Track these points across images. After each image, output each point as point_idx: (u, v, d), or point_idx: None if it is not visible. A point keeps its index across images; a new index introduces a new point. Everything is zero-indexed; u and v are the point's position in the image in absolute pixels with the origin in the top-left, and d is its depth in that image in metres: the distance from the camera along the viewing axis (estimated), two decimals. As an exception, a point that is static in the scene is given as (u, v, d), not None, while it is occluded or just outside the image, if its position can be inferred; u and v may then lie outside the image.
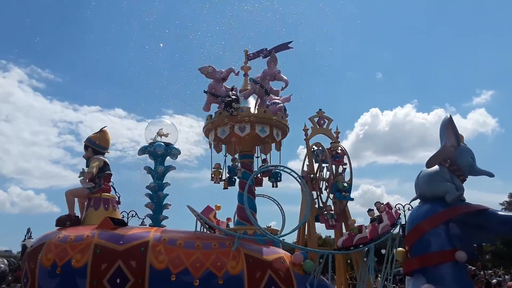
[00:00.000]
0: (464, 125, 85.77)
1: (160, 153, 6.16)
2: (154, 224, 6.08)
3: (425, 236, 6.18)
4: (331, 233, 7.34)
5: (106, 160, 6.40)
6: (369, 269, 6.08)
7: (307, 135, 6.66)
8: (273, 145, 7.19)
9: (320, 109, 7.01)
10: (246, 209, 5.31)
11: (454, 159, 6.61)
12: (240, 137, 6.54)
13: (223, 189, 6.87)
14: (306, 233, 6.72)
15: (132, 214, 14.73)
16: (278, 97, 7.12)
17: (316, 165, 6.97)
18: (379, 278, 6.30)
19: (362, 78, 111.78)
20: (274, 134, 6.67)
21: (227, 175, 6.85)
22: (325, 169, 6.72)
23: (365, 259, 6.13)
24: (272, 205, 7.69)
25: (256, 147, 7.31)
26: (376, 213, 6.22)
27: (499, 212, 6.18)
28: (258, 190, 7.25)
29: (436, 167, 6.72)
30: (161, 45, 6.84)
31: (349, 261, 7.96)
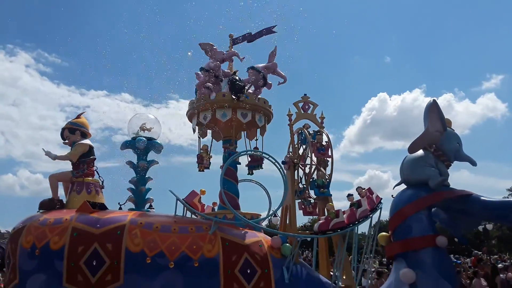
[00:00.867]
0: (473, 110, 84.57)
1: (141, 148, 6.17)
2: None
3: (407, 221, 6.19)
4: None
5: (91, 144, 6.48)
6: (356, 254, 6.12)
7: (291, 120, 6.62)
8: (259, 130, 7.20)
9: (305, 94, 6.94)
10: (221, 193, 5.34)
11: (440, 144, 6.56)
12: (222, 123, 6.54)
13: (199, 171, 6.88)
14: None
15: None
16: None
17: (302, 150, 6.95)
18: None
19: (370, 62, 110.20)
20: (257, 119, 6.66)
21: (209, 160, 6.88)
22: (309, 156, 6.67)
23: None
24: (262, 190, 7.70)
25: (242, 132, 7.32)
26: (358, 198, 6.21)
27: (482, 198, 6.13)
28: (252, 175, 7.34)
29: (421, 152, 6.66)
30: (190, 53, 6.93)
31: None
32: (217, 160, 7.09)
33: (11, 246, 5.35)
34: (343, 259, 5.70)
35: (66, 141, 6.47)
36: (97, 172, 6.48)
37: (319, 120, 6.85)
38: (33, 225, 5.33)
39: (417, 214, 6.19)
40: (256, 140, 7.25)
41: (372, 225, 6.09)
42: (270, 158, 5.73)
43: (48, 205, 5.97)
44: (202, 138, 7.16)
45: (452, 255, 29.98)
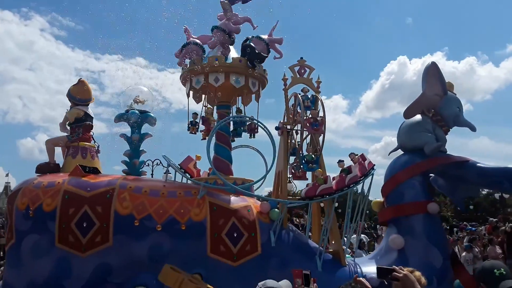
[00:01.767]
0: (497, 74, 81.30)
1: (133, 121, 6.18)
2: None
3: (400, 186, 6.18)
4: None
5: (88, 111, 6.54)
6: (349, 220, 6.15)
7: (286, 85, 6.47)
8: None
9: (301, 58, 6.71)
10: (208, 158, 5.39)
11: (439, 108, 6.39)
12: (215, 87, 6.47)
13: (201, 139, 6.91)
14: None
15: (157, 163, 15.40)
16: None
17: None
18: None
19: (391, 23, 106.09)
20: (250, 84, 6.56)
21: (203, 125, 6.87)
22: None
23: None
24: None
25: (237, 97, 7.25)
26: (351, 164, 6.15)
27: (478, 164, 6.02)
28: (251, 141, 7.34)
29: (418, 117, 6.52)
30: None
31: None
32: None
33: (8, 207, 5.58)
34: (330, 224, 5.71)
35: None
36: (93, 138, 6.59)
37: (315, 85, 6.68)
38: (28, 187, 5.52)
39: (410, 180, 6.14)
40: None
41: (365, 192, 6.05)
42: (259, 123, 5.68)
43: (43, 168, 6.14)
44: (197, 103, 7.12)
45: (467, 223, 30.02)
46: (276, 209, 5.72)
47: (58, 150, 6.58)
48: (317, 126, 6.01)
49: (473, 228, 19.80)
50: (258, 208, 5.81)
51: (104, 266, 5.14)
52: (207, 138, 6.59)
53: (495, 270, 2.44)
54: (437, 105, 6.39)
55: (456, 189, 6.73)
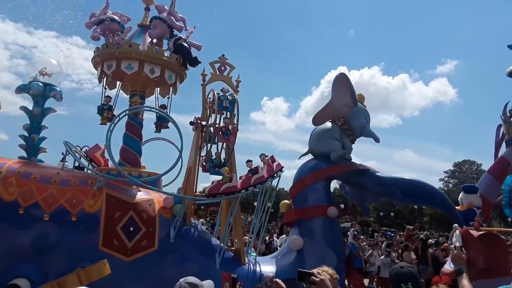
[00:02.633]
0: (425, 93, 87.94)
1: (35, 93, 5.75)
2: None
3: (305, 190, 6.38)
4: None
5: None
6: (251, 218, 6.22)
7: (204, 80, 6.43)
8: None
9: (223, 55, 6.73)
10: (107, 148, 5.17)
11: (348, 118, 6.69)
12: (128, 75, 6.24)
13: (100, 124, 6.60)
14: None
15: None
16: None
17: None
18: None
19: (335, 33, 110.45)
20: (166, 76, 6.42)
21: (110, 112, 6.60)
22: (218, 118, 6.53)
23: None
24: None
25: (156, 88, 7.07)
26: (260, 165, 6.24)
27: (377, 173, 6.40)
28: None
29: (329, 124, 6.79)
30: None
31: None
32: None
33: None
34: (232, 223, 5.76)
35: None
36: None
37: (235, 84, 6.70)
38: None
39: (314, 185, 6.38)
40: (169, 98, 7.03)
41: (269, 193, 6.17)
42: (167, 116, 5.57)
43: None
44: (110, 89, 6.83)
45: (387, 228, 31.96)
46: (179, 205, 5.64)
47: None
48: (228, 135, 6.02)
49: (392, 234, 21.22)
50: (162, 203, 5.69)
51: (-20, 255, 4.73)
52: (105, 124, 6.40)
53: (402, 284, 2.51)
54: (347, 115, 6.71)
55: (360, 195, 7.13)
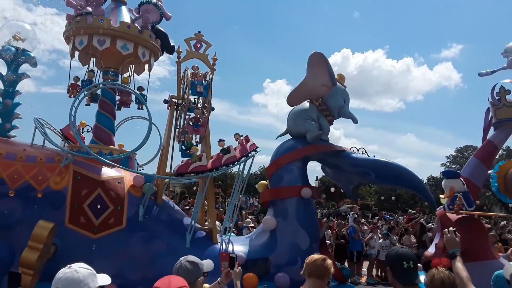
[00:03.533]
0: (430, 77, 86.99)
1: (7, 58, 5.72)
2: (0, 133, 5.81)
3: (280, 170, 6.37)
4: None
5: None
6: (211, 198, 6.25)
7: (179, 57, 6.36)
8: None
9: (199, 31, 6.64)
10: (72, 126, 5.16)
11: (325, 99, 6.62)
12: (100, 51, 6.18)
13: (85, 105, 6.61)
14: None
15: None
16: None
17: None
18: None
19: (339, 15, 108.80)
20: (140, 53, 6.36)
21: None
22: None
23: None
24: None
25: (130, 65, 7.01)
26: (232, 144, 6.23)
27: (352, 155, 6.38)
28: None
29: (306, 104, 6.74)
30: None
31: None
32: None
33: None
34: (201, 201, 5.80)
35: None
36: None
37: (211, 61, 6.62)
38: None
39: (289, 165, 6.37)
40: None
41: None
42: (134, 92, 5.52)
43: None
44: (83, 65, 6.78)
45: (386, 213, 32.10)
46: (148, 183, 5.66)
47: None
48: (198, 127, 6.00)
49: (391, 218, 21.33)
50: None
51: None
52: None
53: (404, 262, 2.50)
54: (325, 96, 6.64)
55: (341, 177, 7.12)
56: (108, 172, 5.60)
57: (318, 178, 32.15)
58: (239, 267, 3.31)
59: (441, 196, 6.18)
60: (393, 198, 47.55)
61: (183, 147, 6.10)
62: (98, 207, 5.26)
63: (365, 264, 12.03)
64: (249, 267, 5.69)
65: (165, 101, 6.39)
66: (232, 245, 6.05)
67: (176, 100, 6.32)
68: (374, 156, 6.69)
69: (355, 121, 6.77)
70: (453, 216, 6.33)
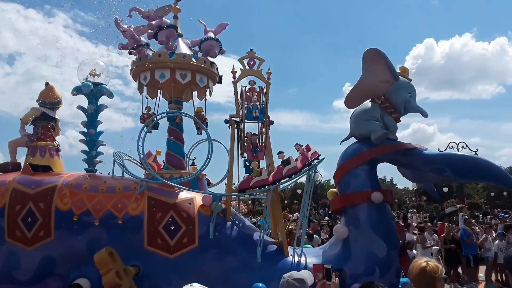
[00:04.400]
0: (526, 56, 76.67)
1: (86, 92, 6.56)
2: (88, 159, 6.63)
3: (347, 176, 6.26)
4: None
5: (46, 111, 6.97)
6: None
7: (235, 77, 6.66)
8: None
9: (251, 49, 6.88)
10: (139, 155, 5.67)
11: (388, 95, 6.38)
12: (162, 84, 6.75)
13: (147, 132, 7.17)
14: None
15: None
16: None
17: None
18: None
19: (416, 5, 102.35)
20: (197, 80, 6.79)
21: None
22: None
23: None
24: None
25: (192, 92, 7.51)
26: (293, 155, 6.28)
27: (424, 151, 6.02)
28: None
29: (368, 104, 6.56)
30: None
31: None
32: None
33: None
34: (267, 215, 5.92)
35: None
36: (54, 137, 7.03)
37: (266, 76, 6.81)
38: (-18, 186, 6.04)
39: (355, 170, 6.21)
40: (205, 100, 7.42)
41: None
42: (195, 119, 5.90)
43: (2, 168, 6.66)
44: (152, 98, 7.42)
45: (500, 210, 28.93)
46: (216, 202, 5.94)
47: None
48: (257, 152, 6.21)
49: (506, 215, 19.25)
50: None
51: (48, 259, 5.60)
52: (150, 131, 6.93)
53: None
54: (386, 92, 6.38)
55: (420, 177, 6.73)
56: (179, 195, 6.01)
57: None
58: (337, 278, 3.25)
59: None
60: (505, 193, 42.66)
61: (247, 163, 6.31)
62: (172, 228, 5.67)
63: (481, 268, 11.05)
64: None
65: (226, 121, 6.69)
66: (305, 257, 6.04)
67: (235, 119, 6.59)
68: (477, 150, 6.23)
69: (424, 114, 6.37)
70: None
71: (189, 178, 6.04)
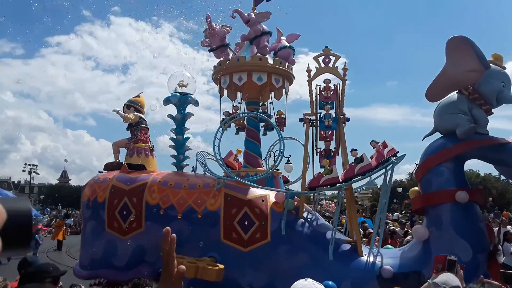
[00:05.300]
0: None
1: (174, 102, 7.25)
2: (176, 163, 7.33)
3: (428, 174, 5.98)
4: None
5: (143, 117, 7.90)
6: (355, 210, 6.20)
7: (310, 76, 6.75)
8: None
9: (326, 46, 6.89)
10: (215, 154, 6.09)
11: (477, 85, 5.90)
12: (240, 86, 7.15)
13: (235, 134, 7.62)
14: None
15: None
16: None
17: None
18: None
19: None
20: (273, 80, 7.03)
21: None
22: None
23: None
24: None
25: (271, 92, 7.79)
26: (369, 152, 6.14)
27: None
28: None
29: (454, 96, 6.16)
30: None
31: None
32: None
33: (81, 199, 7.23)
34: (337, 215, 5.87)
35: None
36: (149, 139, 7.91)
37: (342, 72, 6.78)
38: (90, 182, 7.10)
39: (438, 167, 5.88)
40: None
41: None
42: (265, 118, 6.15)
43: (108, 167, 7.69)
44: (232, 100, 7.87)
45: None
46: (290, 199, 6.10)
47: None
48: (329, 158, 6.23)
49: None
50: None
51: (140, 248, 6.34)
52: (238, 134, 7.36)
53: None
54: (475, 82, 5.87)
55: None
56: (253, 192, 6.31)
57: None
58: (462, 271, 3.19)
59: None
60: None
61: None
62: (246, 223, 5.99)
63: None
64: (399, 281, 5.44)
65: (300, 120, 6.81)
66: (382, 257, 5.87)
67: (310, 118, 6.67)
68: None
69: None
70: None
71: (261, 176, 6.31)
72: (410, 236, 9.51)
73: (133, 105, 7.93)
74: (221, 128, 6.35)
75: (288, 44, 7.38)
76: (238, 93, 7.88)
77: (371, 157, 6.03)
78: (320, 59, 6.86)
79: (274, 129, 6.56)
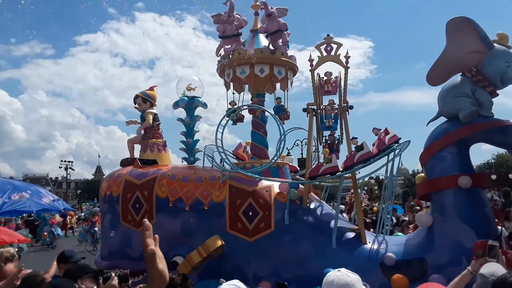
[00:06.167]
0: None
1: (183, 106, 7.49)
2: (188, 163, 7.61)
3: (432, 159, 5.94)
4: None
5: (156, 112, 8.21)
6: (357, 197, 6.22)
7: (312, 65, 6.78)
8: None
9: (328, 35, 6.88)
10: (217, 147, 6.28)
11: (480, 67, 5.78)
12: (244, 79, 7.28)
13: (232, 124, 7.72)
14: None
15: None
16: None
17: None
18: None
19: None
20: (275, 72, 7.12)
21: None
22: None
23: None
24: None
25: (275, 84, 7.88)
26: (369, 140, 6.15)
27: None
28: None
29: (457, 79, 6.06)
30: None
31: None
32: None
33: (99, 193, 7.66)
34: (338, 203, 5.94)
35: (137, 106, 8.30)
36: (161, 134, 8.21)
37: (344, 60, 6.76)
38: (106, 178, 7.53)
39: (441, 152, 5.83)
40: (287, 90, 7.70)
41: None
42: (267, 110, 6.26)
43: (124, 162, 8.07)
44: (239, 93, 8.01)
45: None
46: (292, 189, 6.22)
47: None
48: (333, 151, 6.28)
49: None
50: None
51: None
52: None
53: None
54: (479, 63, 5.73)
55: None
56: (255, 183, 6.48)
57: None
58: (504, 256, 3.11)
59: None
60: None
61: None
62: (250, 214, 6.19)
63: None
64: (402, 268, 5.48)
65: (304, 110, 6.88)
66: (386, 244, 5.90)
67: (313, 107, 6.73)
68: None
69: None
70: None
71: (263, 167, 6.45)
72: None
73: (149, 100, 8.24)
74: (223, 122, 6.53)
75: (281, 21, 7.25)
76: (246, 86, 8.02)
77: (373, 145, 6.04)
78: (322, 48, 6.87)
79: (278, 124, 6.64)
